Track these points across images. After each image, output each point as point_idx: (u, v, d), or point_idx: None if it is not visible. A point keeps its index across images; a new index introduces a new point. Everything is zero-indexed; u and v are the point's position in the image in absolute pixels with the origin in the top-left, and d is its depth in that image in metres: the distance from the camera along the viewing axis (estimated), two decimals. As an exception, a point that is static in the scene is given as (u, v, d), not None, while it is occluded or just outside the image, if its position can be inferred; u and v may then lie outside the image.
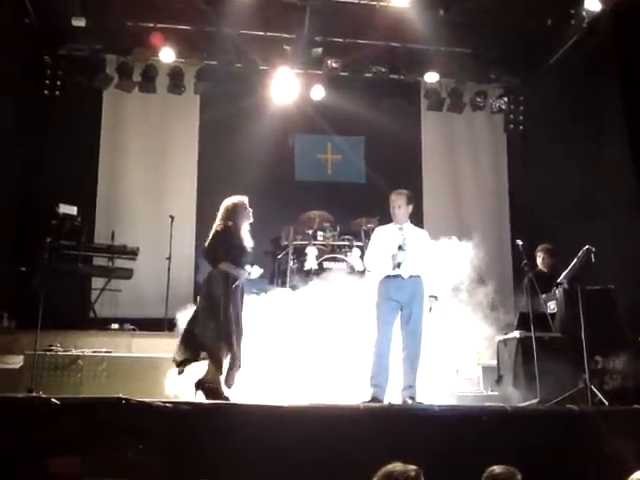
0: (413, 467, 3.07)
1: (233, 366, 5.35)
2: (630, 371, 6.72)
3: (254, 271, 5.61)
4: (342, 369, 6.13)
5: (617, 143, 8.71)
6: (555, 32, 9.32)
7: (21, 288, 8.05)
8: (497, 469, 3.28)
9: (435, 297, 5.75)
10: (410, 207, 5.94)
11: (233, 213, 5.58)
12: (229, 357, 5.35)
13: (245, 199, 5.68)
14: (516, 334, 6.90)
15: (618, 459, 4.19)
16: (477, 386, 7.01)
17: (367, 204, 9.27)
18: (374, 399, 5.44)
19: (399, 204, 5.86)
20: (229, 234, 5.50)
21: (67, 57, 9.80)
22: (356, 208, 9.42)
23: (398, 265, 5.67)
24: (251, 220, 5.67)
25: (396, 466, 3.08)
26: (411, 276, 5.70)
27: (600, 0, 8.55)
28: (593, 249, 6.52)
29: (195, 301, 5.77)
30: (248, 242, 5.60)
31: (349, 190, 10.43)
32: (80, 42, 9.59)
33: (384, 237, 5.90)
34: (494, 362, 7.14)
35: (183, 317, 5.82)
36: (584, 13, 8.78)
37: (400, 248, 5.69)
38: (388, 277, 5.71)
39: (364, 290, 6.21)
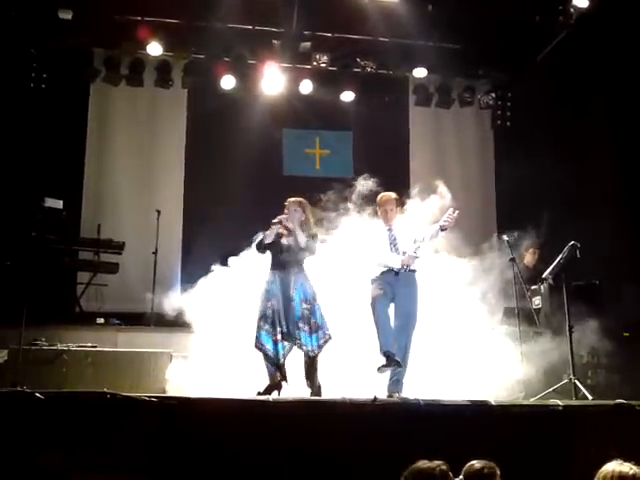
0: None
1: None
2: (614, 366, 6.79)
3: None
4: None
5: (602, 139, 8.76)
6: (543, 28, 9.34)
7: (6, 282, 7.99)
8: (477, 464, 3.24)
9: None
10: (399, 209, 6.00)
11: None
12: None
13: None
14: (502, 329, 6.95)
15: (601, 454, 4.22)
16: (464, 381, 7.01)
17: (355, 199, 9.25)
18: (390, 361, 5.44)
19: (390, 207, 5.91)
20: None
21: (53, 50, 9.64)
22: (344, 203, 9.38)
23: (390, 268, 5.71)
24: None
25: (425, 464, 3.08)
26: (405, 269, 5.73)
27: (587, -3, 8.59)
28: (578, 245, 6.55)
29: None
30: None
31: (337, 185, 10.40)
32: (67, 35, 9.46)
33: (374, 239, 5.91)
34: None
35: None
36: (572, 10, 8.80)
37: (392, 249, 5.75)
38: (382, 272, 5.75)
39: (355, 285, 6.22)
